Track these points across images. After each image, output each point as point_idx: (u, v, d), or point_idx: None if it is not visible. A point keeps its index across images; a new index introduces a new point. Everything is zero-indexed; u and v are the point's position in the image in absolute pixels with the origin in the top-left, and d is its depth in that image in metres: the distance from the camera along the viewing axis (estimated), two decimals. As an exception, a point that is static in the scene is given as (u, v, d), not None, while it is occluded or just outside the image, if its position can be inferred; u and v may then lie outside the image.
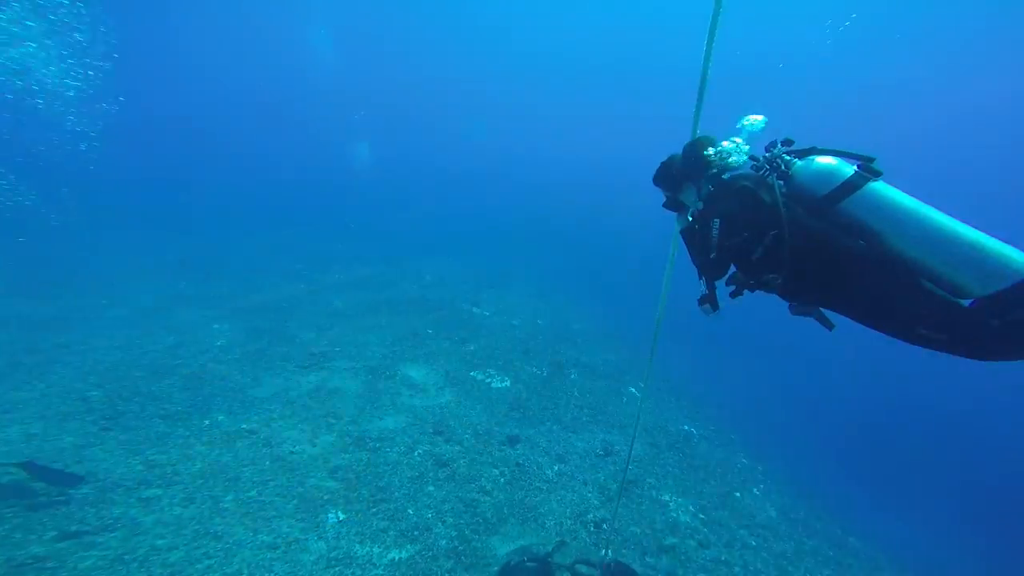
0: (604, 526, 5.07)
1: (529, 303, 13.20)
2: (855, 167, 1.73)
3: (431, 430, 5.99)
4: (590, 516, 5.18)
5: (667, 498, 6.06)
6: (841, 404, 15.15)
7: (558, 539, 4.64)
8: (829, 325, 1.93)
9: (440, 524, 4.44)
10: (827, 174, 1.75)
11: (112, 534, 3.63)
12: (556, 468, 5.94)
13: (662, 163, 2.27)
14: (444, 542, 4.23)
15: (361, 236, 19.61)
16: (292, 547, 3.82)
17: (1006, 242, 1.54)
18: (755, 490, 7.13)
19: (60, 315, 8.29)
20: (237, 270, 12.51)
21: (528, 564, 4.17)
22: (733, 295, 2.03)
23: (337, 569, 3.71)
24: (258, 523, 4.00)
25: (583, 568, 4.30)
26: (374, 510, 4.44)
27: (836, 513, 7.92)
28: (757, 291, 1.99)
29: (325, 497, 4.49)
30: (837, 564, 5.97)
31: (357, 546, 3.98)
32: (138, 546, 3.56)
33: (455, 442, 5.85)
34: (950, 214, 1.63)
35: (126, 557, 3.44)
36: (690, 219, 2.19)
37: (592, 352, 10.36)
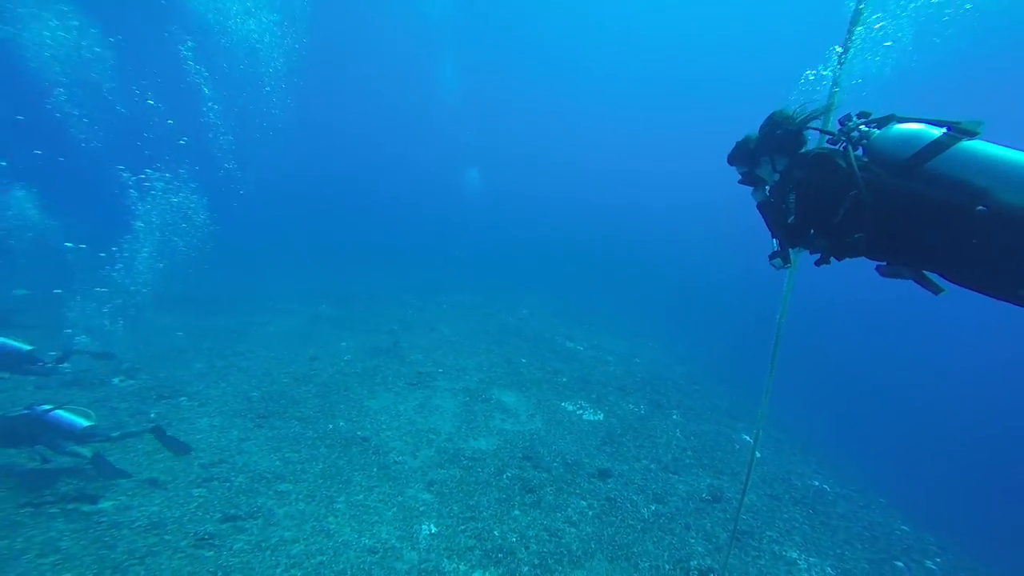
0: (711, 575, 4.56)
1: (624, 341, 12.86)
2: (944, 130, 1.70)
3: (520, 455, 6.07)
4: (694, 563, 4.70)
5: (795, 555, 5.29)
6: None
7: (651, 587, 4.28)
8: (935, 288, 1.85)
9: (523, 550, 4.43)
10: (910, 138, 1.74)
11: (255, 521, 4.35)
12: (653, 508, 5.53)
13: (737, 143, 2.38)
14: (526, 568, 4.20)
15: (464, 266, 21.11)
16: (389, 554, 4.16)
17: None
18: (929, 563, 5.91)
19: (239, 328, 10.44)
20: (363, 296, 14.41)
21: (615, 609, 3.92)
22: (818, 263, 2.10)
23: (426, 580, 3.93)
24: (363, 526, 4.45)
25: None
26: (463, 527, 4.63)
27: None
28: (844, 258, 2.00)
29: (421, 508, 4.83)
30: None
31: (445, 561, 4.17)
32: (271, 535, 4.20)
33: (543, 469, 5.83)
34: None
35: (263, 544, 4.08)
36: (767, 192, 2.30)
37: (696, 395, 9.60)
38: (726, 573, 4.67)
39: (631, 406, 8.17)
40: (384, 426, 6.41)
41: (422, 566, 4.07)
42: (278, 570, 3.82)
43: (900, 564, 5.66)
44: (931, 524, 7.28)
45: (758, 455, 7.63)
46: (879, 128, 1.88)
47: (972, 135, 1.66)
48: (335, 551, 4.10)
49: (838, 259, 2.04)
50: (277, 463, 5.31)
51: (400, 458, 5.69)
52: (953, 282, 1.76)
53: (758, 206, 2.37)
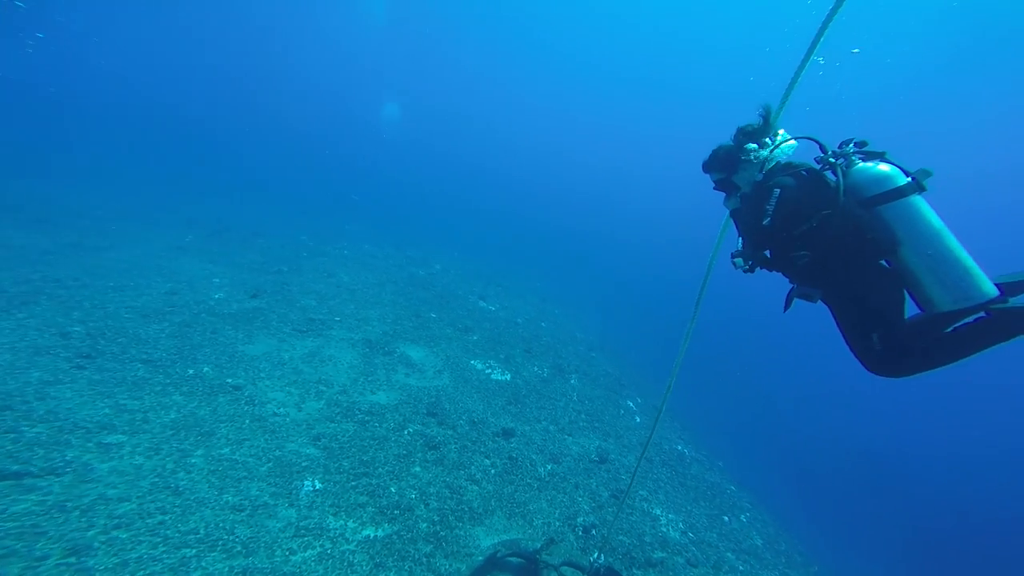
0: (593, 531, 4.81)
1: (534, 305, 13.05)
2: (909, 178, 1.90)
3: (424, 411, 5.68)
4: (580, 520, 4.89)
5: (658, 512, 5.84)
6: (826, 451, 14.82)
7: (547, 538, 4.31)
8: (789, 305, 2.18)
9: (423, 507, 4.11)
10: (884, 179, 1.92)
11: (58, 478, 3.30)
12: (549, 467, 5.62)
13: (714, 151, 2.39)
14: (425, 525, 3.90)
15: (373, 218, 19.43)
16: (259, 511, 3.50)
17: (979, 265, 1.82)
18: (742, 517, 6.99)
19: (54, 249, 8.05)
20: (243, 231, 12.31)
21: (513, 559, 3.85)
22: (748, 270, 2.21)
23: (306, 539, 3.39)
24: (226, 483, 3.68)
25: (568, 571, 3.99)
26: (354, 483, 4.13)
27: (812, 548, 7.81)
28: (769, 270, 2.18)
29: (304, 464, 4.18)
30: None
31: (331, 518, 3.66)
32: (85, 493, 3.23)
33: (448, 426, 5.54)
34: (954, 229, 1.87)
35: (68, 504, 3.11)
36: (739, 200, 2.35)
37: (593, 362, 10.12)
38: (606, 528, 4.94)
39: (536, 368, 8.26)
40: (263, 375, 5.46)
41: (301, 523, 3.51)
42: (91, 532, 2.93)
43: (726, 519, 6.66)
44: (748, 486, 8.75)
45: (638, 420, 8.36)
46: (865, 160, 2.00)
47: (923, 189, 1.88)
48: (184, 510, 3.30)
49: (767, 270, 2.20)
50: (105, 411, 4.13)
51: (281, 410, 4.89)
52: (834, 314, 2.05)
53: (731, 212, 2.43)
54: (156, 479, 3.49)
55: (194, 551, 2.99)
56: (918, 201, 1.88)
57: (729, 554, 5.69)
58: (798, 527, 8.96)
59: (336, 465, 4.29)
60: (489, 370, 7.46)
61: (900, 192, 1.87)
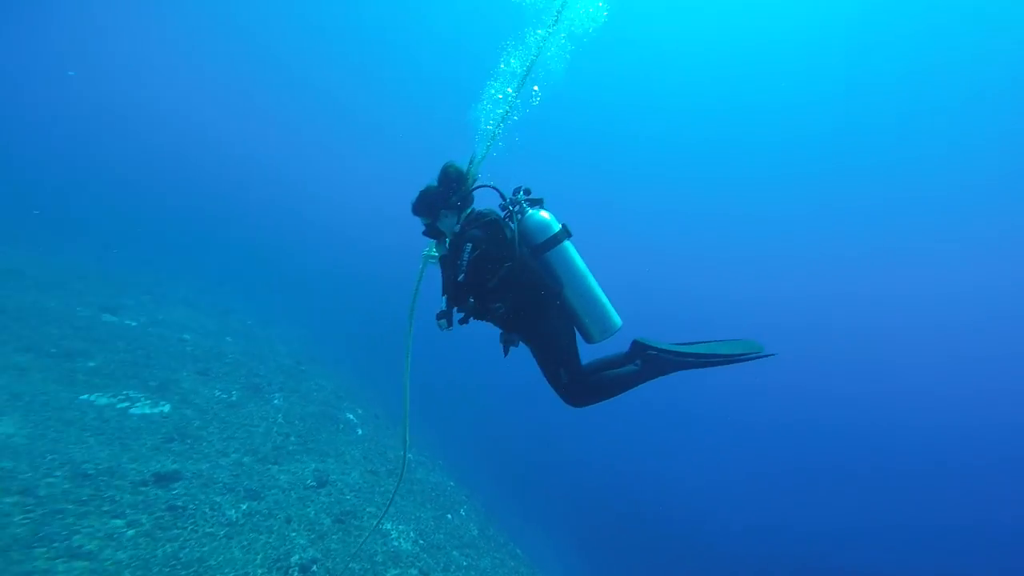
0: (315, 567, 3.78)
1: (214, 318, 10.01)
2: (561, 225, 2.09)
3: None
4: (295, 559, 3.75)
5: (388, 526, 5.30)
6: (523, 449, 15.99)
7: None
8: (507, 351, 2.20)
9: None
10: (545, 226, 2.06)
11: None
12: (244, 507, 4.08)
13: (421, 192, 2.19)
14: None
15: None
16: None
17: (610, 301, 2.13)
18: (462, 511, 7.17)
19: None
20: None
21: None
22: (462, 322, 2.12)
23: None
24: None
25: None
26: None
27: (511, 530, 8.59)
28: (481, 320, 2.12)
29: None
30: (514, 571, 6.43)
31: None
32: None
33: (16, 493, 3.07)
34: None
35: None
36: (447, 247, 2.18)
37: (303, 376, 8.56)
38: (331, 560, 3.99)
39: (218, 392, 6.06)
40: None
41: None
42: None
43: (449, 516, 6.72)
44: (464, 480, 9.02)
45: (360, 432, 7.45)
46: (531, 207, 2.10)
47: (570, 236, 2.10)
48: None
49: (476, 319, 2.13)
50: None
51: None
52: (532, 354, 2.14)
53: (439, 260, 2.22)
54: None
55: None
56: (570, 246, 2.06)
57: (455, 552, 5.67)
58: (500, 513, 9.50)
59: None
60: (125, 404, 4.86)
61: (557, 238, 2.03)
